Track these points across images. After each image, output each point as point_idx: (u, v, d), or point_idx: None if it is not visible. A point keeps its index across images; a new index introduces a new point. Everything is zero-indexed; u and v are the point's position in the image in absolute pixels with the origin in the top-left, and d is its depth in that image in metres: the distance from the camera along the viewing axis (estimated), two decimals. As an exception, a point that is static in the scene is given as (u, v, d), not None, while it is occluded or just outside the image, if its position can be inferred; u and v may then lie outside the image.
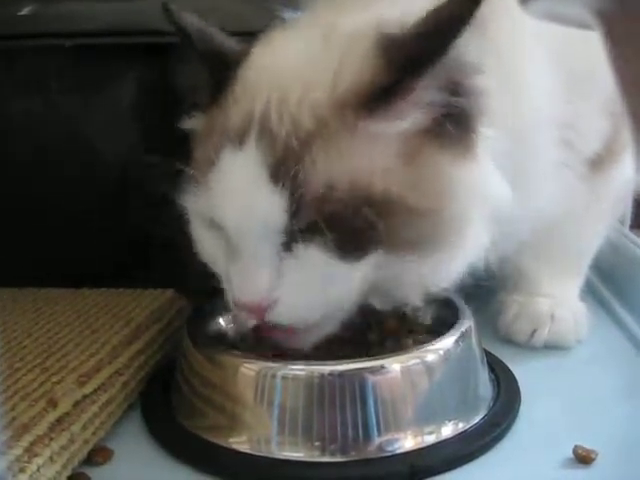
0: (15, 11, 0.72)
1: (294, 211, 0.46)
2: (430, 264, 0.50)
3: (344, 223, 0.46)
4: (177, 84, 0.73)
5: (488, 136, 0.50)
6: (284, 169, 0.46)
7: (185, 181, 0.53)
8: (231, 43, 0.55)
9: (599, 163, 0.64)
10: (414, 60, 0.46)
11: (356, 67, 0.48)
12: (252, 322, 0.51)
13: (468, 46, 0.46)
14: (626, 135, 0.59)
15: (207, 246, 0.53)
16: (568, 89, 0.58)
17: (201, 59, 0.55)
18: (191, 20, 0.55)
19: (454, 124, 0.48)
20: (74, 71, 0.73)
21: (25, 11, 0.72)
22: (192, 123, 0.56)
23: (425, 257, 0.49)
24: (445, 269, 0.51)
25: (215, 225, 0.50)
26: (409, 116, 0.48)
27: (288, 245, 0.48)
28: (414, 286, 0.52)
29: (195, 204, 0.52)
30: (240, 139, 0.48)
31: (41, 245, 0.75)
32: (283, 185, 0.46)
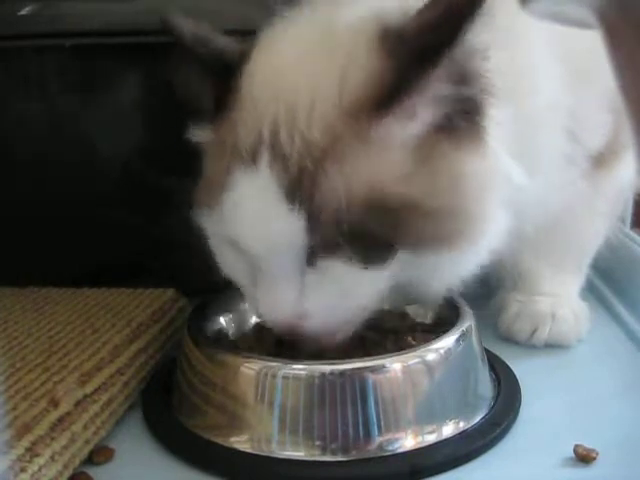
0: (15, 11, 0.72)
1: (313, 229, 0.46)
2: (453, 259, 0.49)
3: (364, 234, 0.46)
4: (177, 83, 0.73)
5: (498, 119, 0.49)
6: (300, 189, 0.46)
7: (197, 199, 0.53)
8: (229, 44, 0.54)
9: (601, 162, 0.64)
10: (423, 53, 0.45)
11: (362, 69, 0.47)
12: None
13: (479, 32, 0.44)
14: (627, 135, 0.59)
15: (229, 263, 0.53)
16: (572, 79, 0.57)
17: (201, 66, 0.53)
18: (187, 25, 0.53)
19: (465, 116, 0.48)
20: (74, 71, 0.73)
21: (25, 11, 0.72)
22: (199, 136, 0.55)
23: (447, 253, 0.49)
24: (468, 261, 0.51)
25: (235, 245, 0.50)
26: (421, 114, 0.47)
27: (311, 260, 0.48)
28: (438, 281, 0.52)
29: (212, 224, 0.52)
30: (252, 160, 0.47)
31: (42, 244, 0.75)
32: (300, 205, 0.45)
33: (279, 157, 0.46)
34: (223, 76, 0.52)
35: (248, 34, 0.70)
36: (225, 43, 0.54)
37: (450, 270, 0.51)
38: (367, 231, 0.46)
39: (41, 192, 0.75)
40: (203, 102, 0.54)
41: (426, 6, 0.45)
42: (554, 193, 0.60)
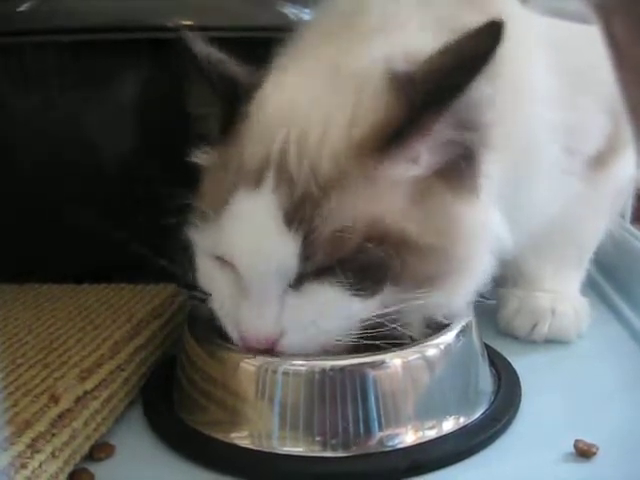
0: (14, 7, 0.72)
1: (306, 254, 0.46)
2: (438, 298, 0.50)
3: (358, 265, 0.47)
4: (178, 80, 0.73)
5: (489, 173, 0.51)
6: (300, 214, 0.46)
7: (193, 215, 0.53)
8: (241, 71, 0.54)
9: (600, 159, 0.64)
10: (433, 98, 0.46)
11: (372, 108, 0.48)
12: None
13: (487, 81, 0.45)
14: (627, 131, 0.59)
15: (212, 280, 0.53)
16: (570, 92, 0.58)
17: (211, 88, 0.53)
18: (201, 47, 0.54)
19: (463, 162, 0.49)
20: (74, 68, 0.73)
21: (24, 7, 0.72)
22: (202, 159, 0.55)
23: (434, 290, 0.49)
24: (452, 301, 0.52)
25: (223, 262, 0.50)
26: (424, 157, 0.48)
27: (297, 284, 0.48)
28: (418, 316, 0.52)
29: (203, 239, 0.52)
30: (256, 180, 0.48)
31: (42, 241, 0.75)
32: (297, 230, 0.46)
33: (284, 179, 0.47)
34: (233, 101, 0.52)
35: (249, 30, 0.70)
36: (237, 70, 0.54)
37: (434, 307, 0.52)
38: (359, 262, 0.47)
39: (41, 189, 0.75)
40: (209, 124, 0.54)
41: (438, 52, 0.46)
42: (551, 201, 0.61)
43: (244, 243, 0.48)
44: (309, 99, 0.50)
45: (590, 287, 0.76)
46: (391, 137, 0.47)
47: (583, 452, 0.50)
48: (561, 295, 0.69)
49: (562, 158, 0.60)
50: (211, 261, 0.52)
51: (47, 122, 0.75)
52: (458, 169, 0.49)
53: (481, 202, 0.50)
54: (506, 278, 0.71)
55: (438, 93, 0.46)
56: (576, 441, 0.50)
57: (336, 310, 0.48)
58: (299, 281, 0.48)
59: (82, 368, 0.54)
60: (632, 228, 0.86)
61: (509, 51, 0.44)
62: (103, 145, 0.75)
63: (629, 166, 0.66)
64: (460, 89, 0.45)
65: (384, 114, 0.47)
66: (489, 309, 0.70)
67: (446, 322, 0.54)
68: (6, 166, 0.75)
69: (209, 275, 0.53)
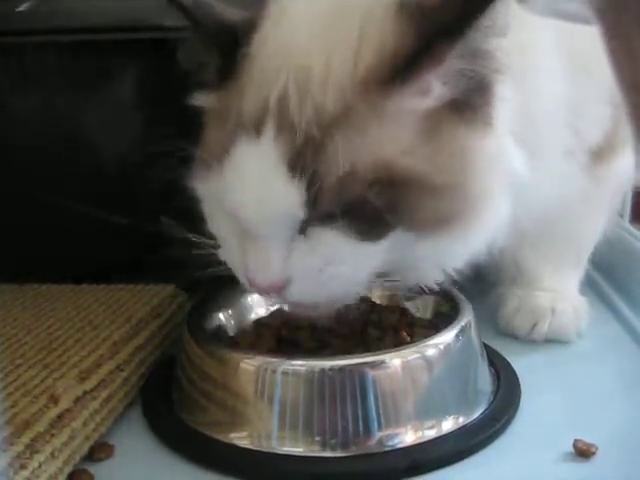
0: (13, 7, 0.72)
1: (312, 200, 0.45)
2: (449, 241, 0.49)
3: (363, 207, 0.45)
4: (177, 80, 0.73)
5: (505, 97, 0.49)
6: (303, 160, 0.45)
7: (195, 163, 0.52)
8: (233, 12, 0.52)
9: (600, 156, 0.64)
10: (445, 27, 0.44)
11: (379, 38, 0.46)
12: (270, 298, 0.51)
13: (499, 11, 0.43)
14: (626, 130, 0.59)
15: (219, 228, 0.52)
16: (573, 73, 0.57)
17: (205, 34, 0.52)
18: None
19: (475, 93, 0.47)
20: (74, 68, 0.73)
21: (23, 7, 0.72)
22: (202, 100, 0.54)
23: (444, 234, 0.48)
24: (464, 246, 0.51)
25: (229, 212, 0.49)
26: (435, 89, 0.46)
27: (303, 229, 0.47)
28: (432, 265, 0.52)
29: (207, 188, 0.51)
30: (256, 129, 0.46)
31: (41, 242, 0.75)
32: (301, 177, 0.45)
33: (285, 125, 0.46)
34: (229, 44, 0.50)
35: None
36: (228, 11, 0.52)
37: (445, 255, 0.51)
38: (367, 205, 0.45)
39: (40, 189, 0.75)
40: (207, 71, 0.53)
41: None
42: (554, 186, 0.60)
43: (246, 193, 0.47)
44: (310, 34, 0.48)
45: (589, 286, 0.76)
46: (400, 68, 0.45)
47: (582, 452, 0.50)
48: (560, 294, 0.69)
49: (565, 134, 0.59)
50: (217, 210, 0.51)
51: (47, 122, 0.75)
52: (471, 100, 0.47)
53: (496, 133, 0.49)
54: (506, 277, 0.71)
55: (452, 21, 0.44)
56: (575, 441, 0.50)
57: (344, 256, 0.47)
58: (305, 228, 0.47)
59: (81, 368, 0.54)
60: (631, 227, 0.86)
61: (517, 18, 0.43)
62: (103, 145, 0.75)
63: (628, 164, 0.66)
64: (475, 17, 0.43)
65: (392, 44, 0.45)
66: (489, 308, 0.70)
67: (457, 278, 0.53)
68: (6, 166, 0.75)
69: (216, 224, 0.52)
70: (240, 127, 0.47)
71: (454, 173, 0.47)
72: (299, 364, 0.50)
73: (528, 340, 0.68)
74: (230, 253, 0.52)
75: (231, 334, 0.62)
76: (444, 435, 0.51)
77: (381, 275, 0.50)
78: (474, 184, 0.48)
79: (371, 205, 0.45)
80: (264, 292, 0.50)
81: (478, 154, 0.48)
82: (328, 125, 0.45)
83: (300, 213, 0.46)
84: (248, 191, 0.47)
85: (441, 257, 0.51)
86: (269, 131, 0.46)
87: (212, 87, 0.53)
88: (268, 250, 0.48)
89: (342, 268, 0.48)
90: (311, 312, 0.52)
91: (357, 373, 0.50)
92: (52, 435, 0.46)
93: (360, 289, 0.51)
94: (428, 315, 0.63)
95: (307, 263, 0.48)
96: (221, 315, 0.62)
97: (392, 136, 0.46)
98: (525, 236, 0.64)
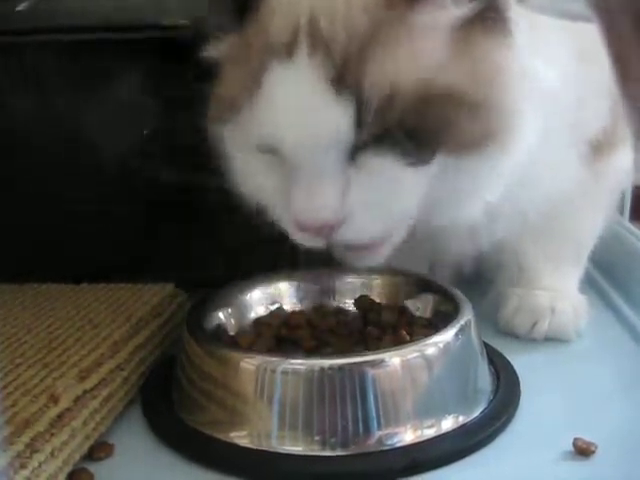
0: (12, 6, 0.72)
1: (361, 120, 0.44)
2: (486, 164, 0.49)
3: (412, 125, 0.45)
4: (177, 79, 0.73)
5: (517, 20, 0.49)
6: (346, 77, 0.44)
7: (213, 109, 0.50)
8: None
9: (599, 151, 0.64)
10: None
11: None
12: (317, 243, 0.48)
13: None
14: (624, 127, 0.59)
15: (253, 175, 0.50)
16: (577, 64, 0.58)
17: None
18: None
19: (495, 7, 0.48)
20: (73, 67, 0.73)
21: (22, 6, 0.72)
22: (215, 50, 0.52)
23: (482, 157, 0.48)
24: (499, 170, 0.51)
25: (265, 150, 0.48)
26: (456, 2, 0.46)
27: (354, 156, 0.46)
28: (469, 196, 0.52)
29: (236, 133, 0.50)
30: (288, 52, 0.45)
31: (41, 241, 0.75)
32: (348, 94, 0.44)
33: (320, 46, 0.45)
34: None
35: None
36: None
37: (482, 182, 0.51)
38: (415, 123, 0.45)
39: (40, 189, 0.75)
40: (222, 15, 0.51)
41: None
42: (555, 176, 0.60)
43: (289, 119, 0.46)
44: None
45: (589, 285, 0.76)
46: None
47: (582, 451, 0.50)
48: (560, 293, 0.69)
49: (570, 118, 0.59)
50: (249, 155, 0.50)
51: (47, 122, 0.75)
52: (490, 14, 0.47)
53: (518, 47, 0.49)
54: (506, 276, 0.71)
55: None
56: (575, 439, 0.50)
57: (395, 184, 0.46)
58: (356, 153, 0.46)
59: (81, 367, 0.54)
60: (631, 226, 0.87)
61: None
62: (102, 144, 0.75)
63: (627, 162, 0.66)
64: None
65: None
66: (488, 307, 0.70)
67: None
68: (6, 166, 0.75)
69: (249, 172, 0.51)
70: (270, 54, 0.46)
71: (486, 87, 0.47)
72: (299, 363, 0.50)
73: (528, 339, 0.68)
74: (268, 196, 0.50)
75: (231, 333, 0.62)
76: (444, 434, 0.51)
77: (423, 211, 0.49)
78: (507, 99, 0.48)
79: (417, 122, 0.45)
80: (314, 231, 0.47)
81: (505, 66, 0.48)
82: (363, 41, 0.45)
83: (351, 135, 0.45)
84: (290, 116, 0.46)
85: (478, 185, 0.51)
86: (303, 52, 0.45)
87: (228, 31, 0.51)
88: (322, 184, 0.46)
89: (395, 197, 0.47)
90: (365, 253, 0.51)
91: (357, 372, 0.50)
92: (52, 434, 0.46)
93: (411, 222, 0.50)
94: (428, 314, 0.62)
95: (366, 195, 0.47)
96: (221, 314, 0.62)
97: (425, 51, 0.46)
98: (526, 231, 0.64)
